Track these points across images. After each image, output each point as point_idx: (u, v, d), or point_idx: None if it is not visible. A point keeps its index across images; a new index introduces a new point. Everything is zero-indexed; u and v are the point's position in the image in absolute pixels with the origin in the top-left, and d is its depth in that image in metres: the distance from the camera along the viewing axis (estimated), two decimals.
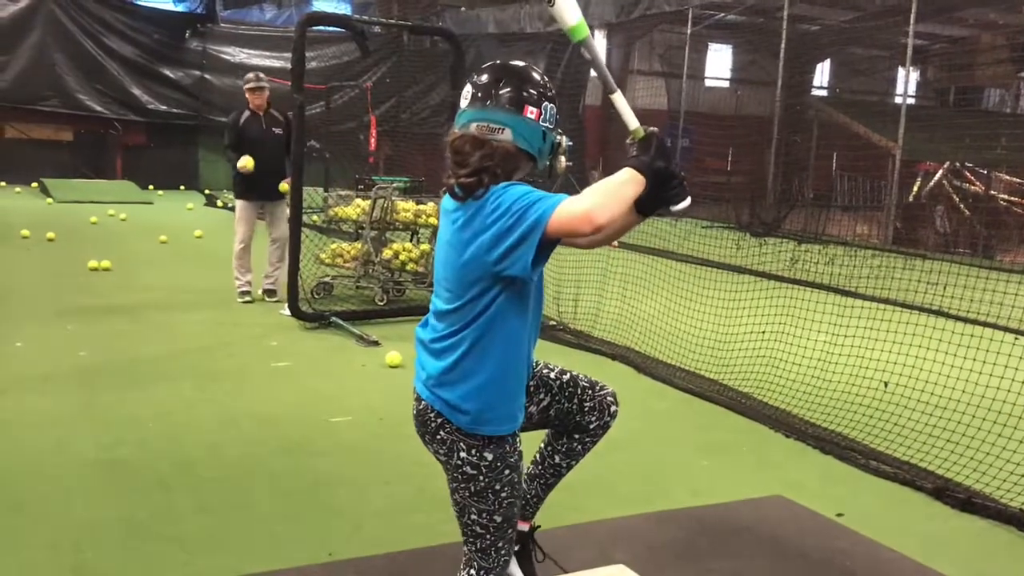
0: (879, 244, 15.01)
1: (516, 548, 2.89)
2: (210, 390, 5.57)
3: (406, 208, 8.38)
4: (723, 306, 7.55)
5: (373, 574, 3.32)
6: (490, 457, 2.32)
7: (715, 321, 7.32)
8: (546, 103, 2.30)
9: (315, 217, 10.84)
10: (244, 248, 8.07)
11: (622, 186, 2.15)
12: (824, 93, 22.99)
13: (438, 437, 2.36)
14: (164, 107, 19.72)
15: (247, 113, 7.96)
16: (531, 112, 2.26)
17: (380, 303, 7.97)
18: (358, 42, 7.54)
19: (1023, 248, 14.11)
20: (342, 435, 4.88)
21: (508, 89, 2.27)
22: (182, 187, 19.79)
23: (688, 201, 2.24)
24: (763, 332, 6.76)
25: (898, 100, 18.49)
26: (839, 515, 4.05)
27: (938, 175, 16.49)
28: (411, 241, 8.66)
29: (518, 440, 2.41)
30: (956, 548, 3.84)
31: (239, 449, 4.59)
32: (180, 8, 20.14)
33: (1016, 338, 7.26)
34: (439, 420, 2.35)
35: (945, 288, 8.24)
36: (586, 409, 2.75)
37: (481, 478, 2.33)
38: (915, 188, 16.59)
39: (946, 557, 3.70)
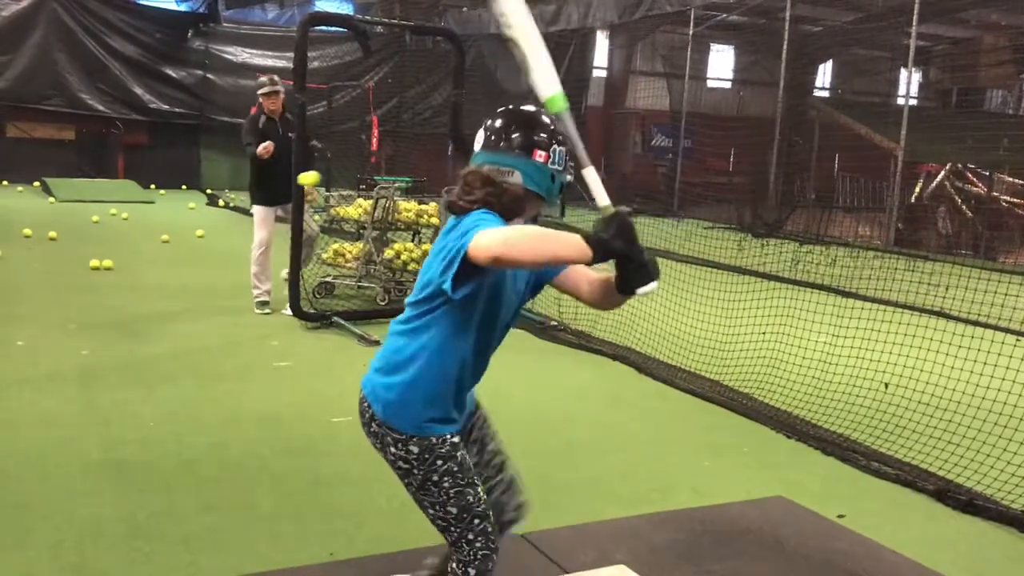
0: (881, 245, 15.02)
1: None
2: (212, 390, 5.58)
3: (408, 208, 8.39)
4: (725, 307, 7.56)
5: (374, 574, 3.33)
6: (416, 450, 2.37)
7: (717, 322, 7.32)
8: (555, 146, 2.38)
9: (317, 217, 10.85)
10: (263, 253, 7.93)
11: (553, 240, 2.10)
12: (826, 94, 23.00)
13: (371, 430, 2.45)
14: (166, 106, 19.73)
15: (263, 118, 7.89)
16: (540, 156, 2.36)
17: (381, 303, 7.97)
18: (360, 42, 7.52)
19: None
20: (343, 435, 4.88)
21: (518, 134, 2.38)
22: (184, 186, 19.79)
23: (653, 285, 2.21)
24: (764, 333, 6.77)
25: (900, 101, 18.50)
26: (840, 516, 4.06)
27: (940, 176, 16.50)
28: (413, 241, 8.66)
29: (447, 436, 2.42)
30: (957, 549, 3.85)
31: (241, 449, 4.59)
32: (182, 8, 20.18)
33: (1017, 339, 7.26)
34: (369, 412, 2.43)
35: (946, 289, 8.25)
36: (490, 496, 2.65)
37: (416, 472, 2.39)
38: (917, 189, 16.60)
39: (947, 558, 3.70)
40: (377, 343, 6.79)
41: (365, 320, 7.47)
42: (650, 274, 2.21)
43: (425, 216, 8.42)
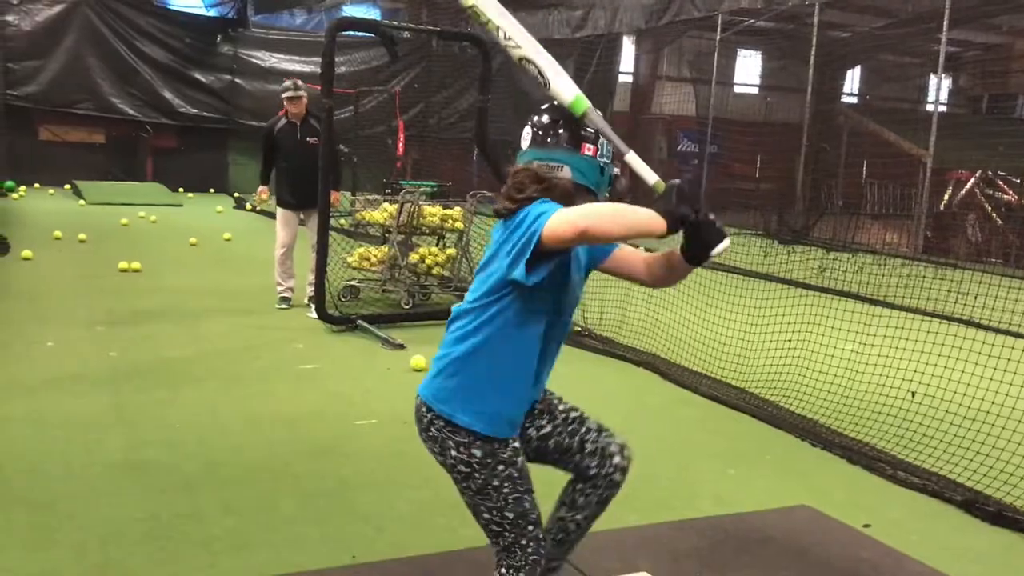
0: (909, 253, 14.86)
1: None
2: (237, 392, 5.61)
3: (433, 213, 8.40)
4: (750, 314, 7.50)
5: None
6: (479, 454, 2.37)
7: (742, 329, 7.27)
8: (602, 139, 2.41)
9: (343, 220, 10.91)
10: (285, 253, 8.06)
11: (628, 213, 2.15)
12: (854, 100, 22.81)
13: (430, 434, 2.44)
14: (195, 110, 19.91)
15: (283, 121, 7.97)
16: (588, 149, 2.40)
17: (406, 307, 7.98)
18: (387, 47, 7.55)
19: None
20: (367, 438, 4.89)
21: (566, 129, 2.40)
22: (212, 190, 19.97)
23: (726, 243, 2.25)
24: (790, 340, 6.71)
25: (930, 108, 18.32)
26: (866, 526, 4.01)
27: (970, 183, 16.31)
28: (437, 246, 8.67)
29: (510, 441, 2.42)
30: (986, 562, 3.79)
31: (264, 451, 4.61)
32: (211, 13, 20.35)
33: None
34: (430, 415, 2.42)
35: (975, 298, 8.14)
36: (586, 451, 2.66)
37: (477, 476, 2.38)
38: (946, 196, 16.41)
39: (976, 570, 3.65)
40: (402, 347, 6.80)
41: (389, 324, 7.49)
42: (721, 232, 2.23)
43: (450, 221, 8.43)
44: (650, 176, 2.35)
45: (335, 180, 7.70)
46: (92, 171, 18.60)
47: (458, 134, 18.89)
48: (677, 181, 2.22)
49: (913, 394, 5.69)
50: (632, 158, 2.37)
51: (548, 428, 2.64)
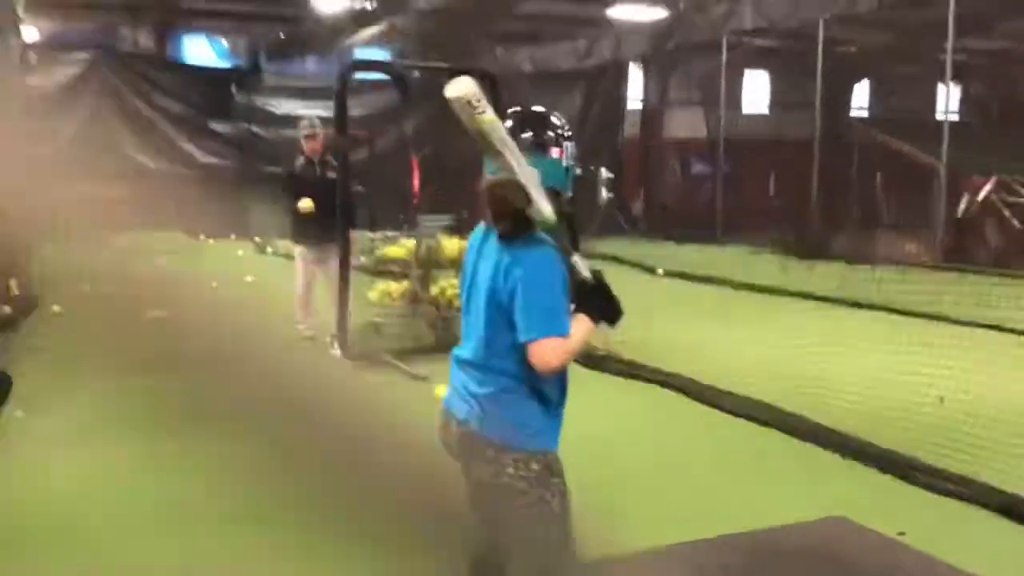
0: (929, 262, 14.81)
1: None
2: (268, 433, 5.66)
3: (451, 245, 8.48)
4: (772, 329, 7.52)
5: None
6: (537, 468, 2.44)
7: (764, 345, 7.28)
8: (566, 142, 2.51)
9: (363, 258, 11.00)
10: (306, 292, 8.18)
11: (584, 336, 2.48)
12: (864, 113, 22.83)
13: (485, 457, 2.47)
14: (214, 159, 20.17)
15: (301, 160, 8.13)
16: (554, 152, 2.47)
17: (428, 341, 8.04)
18: (399, 86, 7.70)
19: None
20: (393, 472, 4.94)
21: (531, 134, 2.47)
22: (233, 236, 20.14)
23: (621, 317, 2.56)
24: (813, 354, 6.71)
25: (940, 116, 18.32)
26: (901, 534, 4.01)
27: (986, 189, 16.27)
28: (457, 277, 8.73)
29: (558, 453, 2.53)
30: None
31: (301, 493, 4.65)
32: (225, 64, 20.68)
33: None
34: (482, 440, 2.47)
35: (998, 301, 8.14)
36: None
37: (531, 491, 2.43)
38: (963, 203, 16.37)
39: (1016, 574, 3.64)
40: (426, 379, 6.86)
41: (413, 356, 7.54)
42: (618, 310, 2.54)
43: None
44: (583, 270, 2.49)
45: (352, 218, 7.82)
46: (113, 223, 18.83)
47: (474, 166, 19.03)
48: (597, 275, 2.50)
49: (942, 399, 5.68)
50: (578, 259, 2.48)
51: None
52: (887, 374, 6.29)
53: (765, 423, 5.75)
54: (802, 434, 5.49)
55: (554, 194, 2.45)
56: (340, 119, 7.22)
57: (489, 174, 2.45)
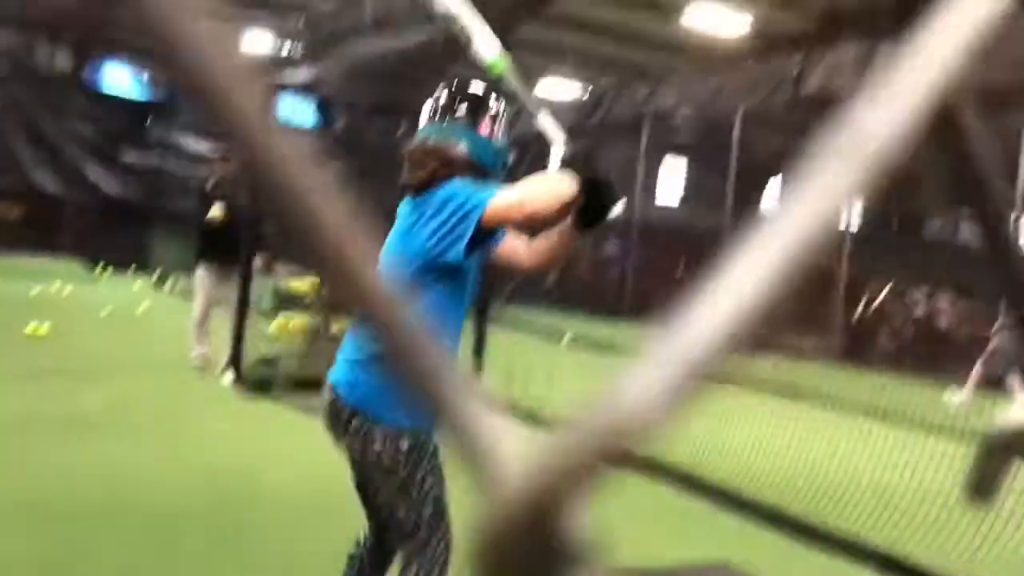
0: (826, 359, 15.21)
1: None
2: (145, 445, 5.38)
3: None
4: None
5: None
6: (407, 446, 2.30)
7: None
8: (499, 122, 2.46)
9: (264, 303, 10.70)
10: (203, 317, 7.87)
11: (555, 182, 2.23)
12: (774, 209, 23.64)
13: (350, 429, 2.34)
14: (119, 190, 19.63)
15: (212, 181, 7.95)
16: (484, 129, 2.43)
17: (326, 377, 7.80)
18: (322, 112, 7.64)
19: (963, 368, 14.40)
20: (279, 490, 4.72)
21: (463, 107, 2.44)
22: (131, 270, 19.48)
23: (622, 204, 2.30)
24: (706, 424, 6.70)
25: (842, 225, 19.08)
26: None
27: (881, 296, 16.93)
28: None
29: (433, 432, 2.36)
30: None
31: (171, 498, 4.41)
32: (144, 95, 20.29)
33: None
34: (348, 410, 2.33)
35: (888, 395, 8.42)
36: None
37: (400, 470, 2.30)
38: (860, 308, 16.97)
39: None
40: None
41: (307, 391, 7.29)
42: (617, 195, 2.27)
43: None
44: (559, 138, 2.39)
45: (259, 241, 7.64)
46: (6, 245, 18.03)
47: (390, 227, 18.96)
48: (580, 146, 2.30)
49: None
50: (544, 119, 2.42)
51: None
52: (771, 445, 6.32)
53: (657, 476, 5.70)
54: (693, 490, 5.46)
55: (484, 175, 2.39)
56: None
57: (420, 137, 2.44)
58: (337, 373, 2.42)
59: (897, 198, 21.09)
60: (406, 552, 2.37)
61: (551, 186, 2.20)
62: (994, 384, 9.75)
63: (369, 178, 19.74)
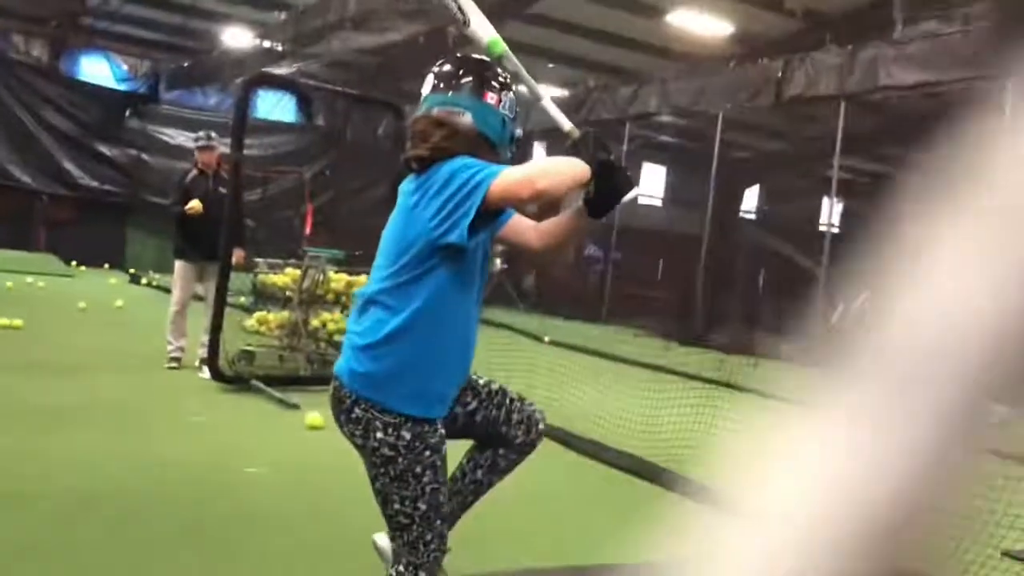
0: (804, 363, 15.26)
1: None
2: (121, 437, 5.31)
3: (338, 279, 8.25)
4: (648, 397, 7.53)
5: None
6: (408, 436, 2.24)
7: (641, 410, 7.26)
8: (506, 92, 2.37)
9: (242, 299, 10.60)
10: (179, 311, 7.75)
11: (566, 164, 2.21)
12: (752, 216, 23.77)
13: (353, 416, 2.28)
14: (95, 183, 19.37)
15: (194, 172, 7.84)
16: (491, 98, 2.34)
17: (304, 373, 7.73)
18: (302, 108, 7.56)
19: None
20: (257, 484, 4.67)
21: (470, 77, 2.35)
22: (107, 265, 19.29)
23: (637, 188, 2.26)
24: (687, 421, 6.72)
25: (823, 227, 19.20)
26: None
27: (860, 300, 17.01)
28: (341, 312, 8.49)
29: (439, 425, 2.32)
30: None
31: (148, 491, 4.35)
32: (122, 87, 20.08)
33: None
34: (352, 397, 2.28)
35: None
36: (513, 421, 2.63)
37: (400, 460, 2.25)
38: (837, 313, 17.05)
39: None
40: (296, 407, 6.56)
41: (286, 387, 7.23)
42: (631, 180, 2.25)
43: (355, 288, 8.29)
44: (565, 123, 2.35)
45: (239, 237, 7.55)
46: None
47: (372, 222, 18.80)
48: (591, 129, 2.25)
49: None
50: (548, 104, 2.38)
51: (475, 404, 2.56)
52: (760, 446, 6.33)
53: (637, 473, 5.70)
54: (672, 485, 5.44)
55: (491, 148, 2.33)
56: (238, 130, 7.00)
57: (423, 110, 2.36)
58: (341, 361, 2.36)
59: (876, 203, 21.27)
60: (397, 546, 2.33)
61: (561, 166, 2.16)
62: None
63: (352, 172, 19.66)
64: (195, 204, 7.49)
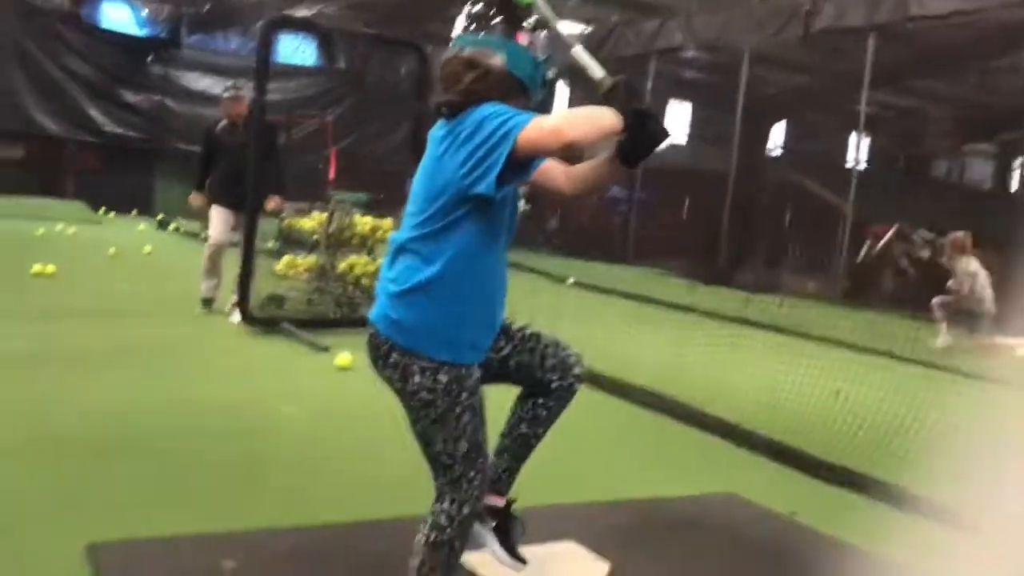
0: (829, 299, 15.21)
1: (494, 524, 2.72)
2: (155, 380, 5.42)
3: (364, 222, 8.30)
4: (675, 338, 7.56)
5: (312, 543, 3.21)
6: (444, 379, 2.28)
7: (669, 350, 7.30)
8: (538, 33, 2.34)
9: (270, 244, 10.70)
10: (216, 250, 7.77)
11: (597, 114, 2.20)
12: (779, 153, 23.49)
13: (390, 361, 2.32)
14: (121, 130, 19.42)
15: (223, 123, 7.85)
16: (523, 39, 2.31)
17: (333, 316, 7.82)
18: (324, 50, 7.52)
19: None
20: (289, 425, 4.78)
21: (500, 17, 2.32)
22: (135, 212, 19.42)
23: (670, 138, 2.25)
24: (715, 360, 6.77)
25: (850, 164, 18.97)
26: (792, 513, 4.01)
27: (887, 237, 16.85)
28: (367, 256, 8.53)
29: (475, 368, 2.36)
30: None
31: (183, 431, 4.45)
32: (144, 32, 20.01)
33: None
34: (388, 343, 2.31)
35: (891, 332, 8.43)
36: (547, 366, 2.62)
37: (439, 402, 2.28)
38: (864, 249, 16.92)
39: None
40: (326, 349, 6.66)
41: (315, 328, 7.32)
42: (665, 129, 2.24)
43: (380, 231, 8.33)
44: (597, 71, 2.33)
45: (280, 186, 7.62)
46: (9, 186, 17.93)
47: (392, 166, 18.79)
48: (623, 77, 2.23)
49: (838, 393, 5.77)
50: (579, 51, 2.36)
51: (508, 349, 2.55)
52: (783, 381, 6.35)
53: (664, 411, 5.75)
54: (700, 424, 5.50)
55: (522, 90, 2.31)
56: (261, 74, 7.00)
57: (454, 48, 2.33)
58: (376, 307, 2.37)
59: (904, 139, 21.01)
60: (439, 485, 2.38)
61: (593, 115, 2.14)
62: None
63: (374, 115, 19.51)
64: (194, 200, 7.79)
